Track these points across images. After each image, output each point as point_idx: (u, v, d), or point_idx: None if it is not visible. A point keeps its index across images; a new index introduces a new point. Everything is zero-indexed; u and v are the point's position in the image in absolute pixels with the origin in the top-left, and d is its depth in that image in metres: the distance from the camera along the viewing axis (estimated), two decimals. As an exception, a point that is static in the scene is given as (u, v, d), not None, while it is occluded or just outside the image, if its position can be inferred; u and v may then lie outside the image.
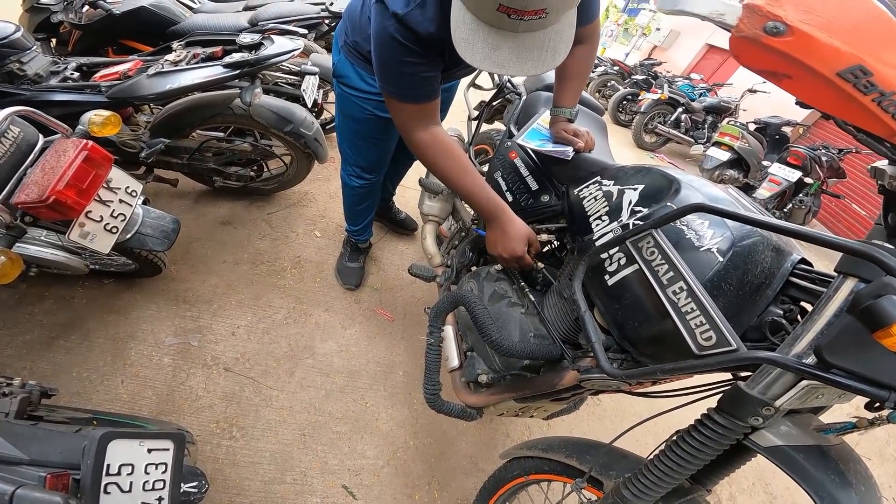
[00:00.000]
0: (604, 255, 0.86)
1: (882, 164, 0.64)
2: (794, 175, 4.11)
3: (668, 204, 0.84)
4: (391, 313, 1.99)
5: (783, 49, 0.46)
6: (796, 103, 0.59)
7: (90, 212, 1.21)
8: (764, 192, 4.14)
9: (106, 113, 1.32)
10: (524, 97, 1.67)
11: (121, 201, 1.31)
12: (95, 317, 1.59)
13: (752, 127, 5.17)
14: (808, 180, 4.21)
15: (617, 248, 0.84)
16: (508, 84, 1.79)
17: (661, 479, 0.70)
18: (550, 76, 1.65)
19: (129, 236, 1.38)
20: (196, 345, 1.61)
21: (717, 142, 4.88)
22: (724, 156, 4.74)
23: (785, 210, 4.43)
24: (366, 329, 1.88)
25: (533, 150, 1.30)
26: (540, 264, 1.15)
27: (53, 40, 2.44)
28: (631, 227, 0.86)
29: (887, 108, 0.45)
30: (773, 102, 6.07)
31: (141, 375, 1.48)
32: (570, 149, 1.24)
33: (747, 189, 4.89)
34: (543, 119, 1.39)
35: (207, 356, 1.59)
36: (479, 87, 1.95)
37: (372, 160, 1.64)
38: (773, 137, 5.14)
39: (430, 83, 1.03)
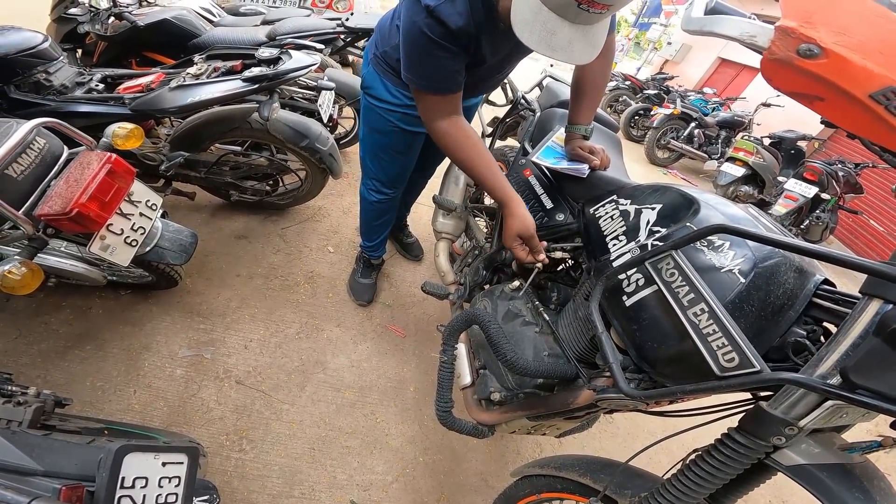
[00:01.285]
0: (621, 276, 0.86)
1: (907, 183, 0.62)
2: (811, 191, 4.05)
3: (688, 224, 0.83)
4: (403, 329, 1.99)
5: (817, 72, 0.45)
6: (822, 122, 0.59)
7: (111, 225, 1.23)
8: (780, 208, 4.08)
9: (130, 126, 1.34)
10: (538, 114, 1.68)
11: (141, 215, 1.33)
12: (111, 327, 1.62)
13: (766, 142, 5.11)
14: (824, 196, 4.13)
15: (635, 269, 0.83)
16: (522, 100, 1.80)
17: (680, 499, 0.69)
18: (565, 92, 1.66)
19: (147, 249, 1.40)
20: (209, 357, 1.62)
21: (731, 157, 4.84)
22: (739, 171, 4.69)
23: (802, 227, 4.35)
24: (377, 345, 1.87)
25: (548, 168, 1.30)
26: (542, 257, 1.12)
27: (79, 51, 2.51)
28: (649, 247, 0.85)
29: None
30: (788, 116, 6.02)
31: (153, 386, 1.50)
32: (585, 166, 1.24)
33: (763, 205, 4.82)
34: (558, 136, 1.39)
35: (220, 369, 1.60)
36: (493, 104, 1.97)
37: (392, 174, 1.65)
38: (788, 152, 5.07)
39: (455, 75, 1.07)
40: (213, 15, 3.11)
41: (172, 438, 0.93)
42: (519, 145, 1.71)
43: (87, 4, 2.34)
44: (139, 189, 1.33)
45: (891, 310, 0.51)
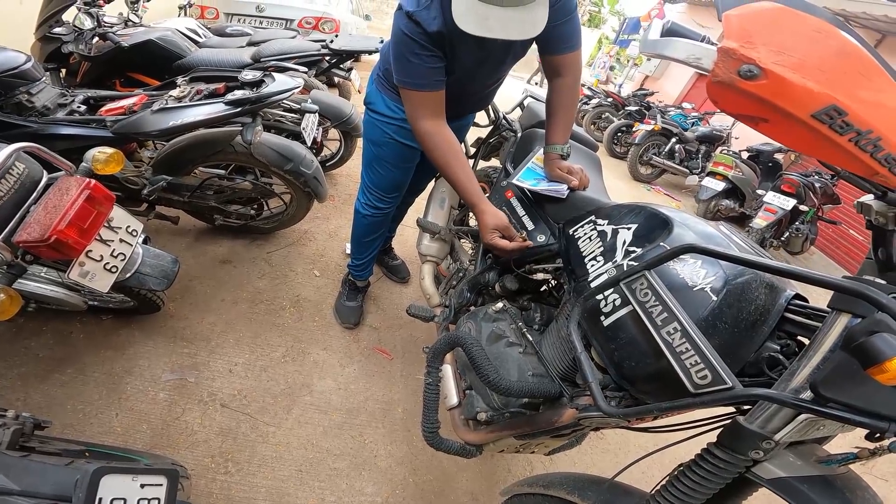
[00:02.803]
0: (599, 297, 0.87)
1: (868, 199, 0.65)
2: (789, 203, 4.13)
3: (662, 244, 0.85)
4: (390, 352, 1.98)
5: (757, 93, 0.46)
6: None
7: (90, 251, 1.21)
8: (760, 221, 4.15)
9: (109, 150, 1.33)
10: (519, 134, 1.72)
11: (121, 241, 1.32)
12: (92, 352, 1.60)
13: (744, 155, 5.24)
14: (803, 208, 4.23)
15: (611, 290, 0.85)
16: (504, 121, 1.84)
17: None
18: (544, 112, 1.70)
19: (128, 276, 1.38)
20: (193, 381, 1.60)
21: (711, 171, 4.94)
22: (719, 185, 4.79)
23: (782, 238, 4.43)
24: (364, 367, 1.86)
25: (528, 190, 1.32)
26: (522, 240, 1.21)
27: (63, 70, 2.48)
28: (626, 267, 0.87)
29: (865, 148, 0.46)
30: (764, 131, 6.18)
31: (136, 409, 1.48)
32: (564, 187, 1.27)
33: (744, 218, 4.92)
34: (538, 157, 1.42)
35: (204, 392, 1.58)
36: (477, 125, 2.01)
37: (386, 186, 1.70)
38: (766, 165, 5.18)
39: (435, 73, 1.22)
40: (199, 35, 3.14)
41: (155, 461, 0.92)
42: (501, 165, 1.74)
43: (71, 24, 2.33)
44: (119, 215, 1.32)
45: (857, 324, 0.52)
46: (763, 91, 0.45)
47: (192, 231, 2.31)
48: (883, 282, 0.61)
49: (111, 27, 2.45)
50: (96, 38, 2.38)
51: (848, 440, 0.71)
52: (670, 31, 0.62)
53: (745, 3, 0.48)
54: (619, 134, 6.82)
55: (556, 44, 1.27)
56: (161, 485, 0.71)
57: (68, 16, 2.32)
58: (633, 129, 6.35)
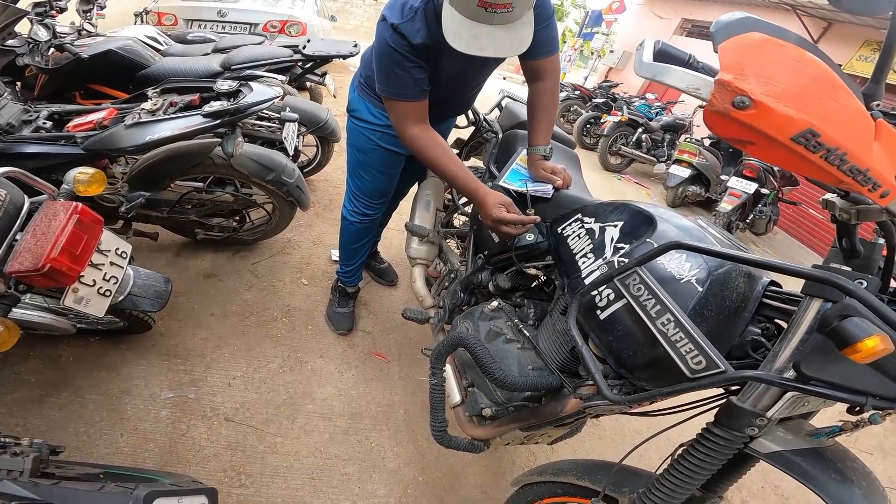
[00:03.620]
0: (594, 293, 0.93)
1: (831, 196, 0.72)
2: (752, 187, 4.36)
3: (648, 240, 0.91)
4: (387, 355, 2.00)
5: (748, 121, 0.53)
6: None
7: (83, 277, 1.19)
8: (726, 205, 4.36)
9: (91, 171, 1.28)
10: (500, 135, 1.76)
11: (112, 264, 1.30)
12: (85, 374, 1.57)
13: (706, 142, 5.47)
14: (764, 191, 4.46)
15: (605, 286, 0.91)
16: (484, 122, 1.88)
17: (674, 491, 0.75)
18: (524, 112, 1.75)
19: (121, 298, 1.37)
20: (193, 397, 1.60)
21: (677, 159, 5.14)
22: (685, 172, 4.99)
23: (747, 221, 4.66)
24: (363, 372, 1.88)
25: (515, 191, 1.37)
26: (530, 215, 1.21)
27: (18, 84, 2.35)
28: (616, 264, 0.93)
29: (833, 162, 0.53)
30: (724, 118, 6.43)
31: (140, 429, 1.47)
32: (549, 187, 1.32)
33: (710, 203, 5.14)
34: (521, 158, 1.47)
35: (206, 407, 1.58)
36: (457, 126, 2.04)
37: (372, 192, 1.71)
38: (727, 151, 5.42)
39: (420, 83, 1.24)
40: (160, 43, 3.00)
41: (177, 480, 0.92)
42: (482, 165, 1.79)
43: (26, 36, 2.23)
44: (108, 237, 1.30)
45: (829, 309, 0.58)
46: (752, 120, 0.52)
47: (171, 246, 2.27)
48: (849, 269, 0.68)
49: (66, 38, 2.34)
50: (52, 50, 2.27)
51: (829, 415, 0.79)
52: (662, 52, 0.67)
53: (735, 34, 0.54)
54: (588, 126, 6.99)
55: (536, 49, 1.30)
56: None
57: (22, 28, 2.21)
58: (601, 120, 6.51)
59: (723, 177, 4.98)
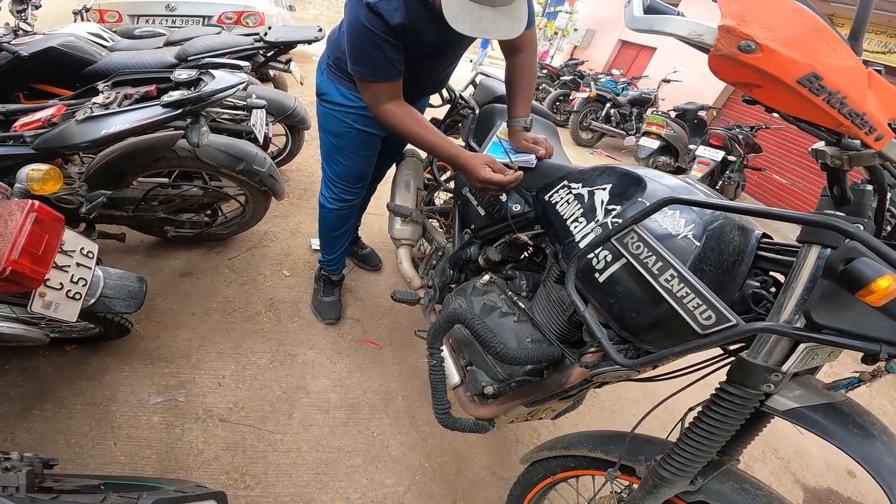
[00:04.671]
0: (590, 255, 0.92)
1: (820, 145, 0.72)
2: (719, 155, 4.49)
3: (640, 199, 0.90)
4: (378, 341, 1.97)
5: (755, 64, 0.53)
6: (744, 100, 0.67)
7: (48, 280, 1.12)
8: (696, 173, 4.49)
9: (45, 167, 1.21)
10: (477, 111, 1.73)
11: (78, 265, 1.22)
12: (66, 384, 1.49)
13: (673, 114, 5.59)
14: (730, 158, 4.61)
15: (601, 247, 0.90)
16: (460, 100, 1.85)
17: (695, 455, 0.74)
18: (499, 88, 1.73)
19: (93, 301, 1.29)
20: (183, 400, 1.54)
21: (645, 132, 5.25)
22: (655, 144, 5.10)
23: (717, 188, 4.80)
24: (355, 360, 1.85)
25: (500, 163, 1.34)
26: (515, 171, 1.20)
27: None
28: (609, 225, 0.92)
29: (834, 105, 0.54)
30: (686, 90, 6.60)
31: (133, 436, 1.41)
32: (532, 157, 1.31)
33: (679, 172, 5.26)
34: (501, 131, 1.45)
35: (199, 409, 1.52)
36: (431, 105, 2.00)
37: (350, 176, 1.67)
38: (692, 122, 5.58)
39: (395, 64, 1.20)
40: (106, 40, 2.83)
41: (181, 486, 0.88)
42: (462, 142, 1.75)
43: (-44, 37, 2.06)
44: (70, 237, 1.22)
45: (832, 253, 0.58)
46: (760, 62, 0.53)
47: (141, 247, 2.16)
48: (843, 214, 0.69)
49: (2, 37, 2.18)
50: None
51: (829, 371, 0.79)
52: (651, 8, 0.66)
53: None
54: (558, 103, 7.04)
55: None
56: None
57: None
58: (570, 97, 6.57)
59: (690, 146, 5.11)
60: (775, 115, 0.71)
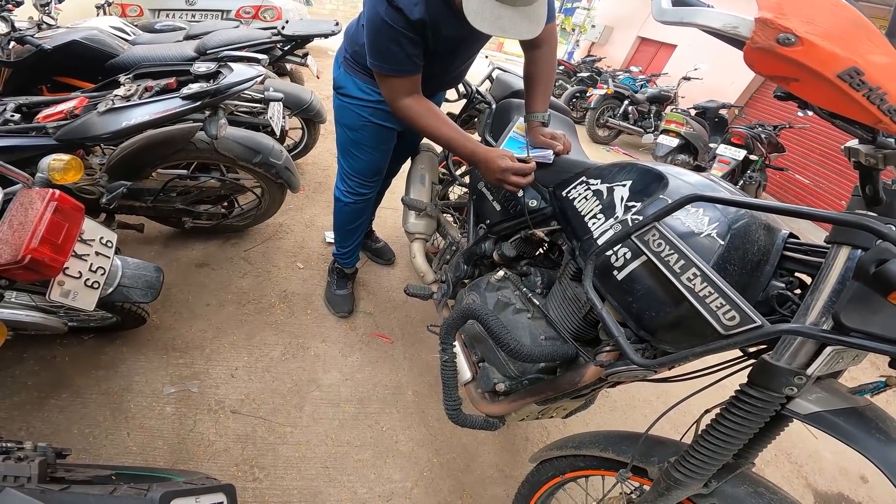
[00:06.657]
0: (608, 253, 0.90)
1: (853, 143, 0.70)
2: (740, 154, 4.38)
3: (661, 196, 0.88)
4: (389, 335, 1.97)
5: (795, 57, 0.51)
6: (775, 95, 0.64)
7: (67, 268, 1.14)
8: (716, 172, 4.39)
9: (66, 157, 1.22)
10: (494, 106, 1.72)
11: (97, 254, 1.24)
12: (82, 373, 1.52)
13: (692, 112, 5.48)
14: (752, 157, 4.49)
15: (621, 245, 0.88)
16: (477, 94, 1.84)
17: (711, 458, 0.72)
18: (516, 83, 1.71)
19: (111, 290, 1.31)
20: (196, 391, 1.56)
21: (664, 129, 5.15)
22: (674, 142, 5.00)
23: (737, 187, 4.69)
24: (367, 354, 1.85)
25: (517, 158, 1.33)
26: (531, 167, 1.19)
27: None
28: (629, 222, 0.90)
29: (874, 101, 0.52)
30: (706, 87, 6.46)
31: (146, 427, 1.43)
32: (549, 152, 1.29)
33: (699, 170, 5.13)
34: (518, 126, 1.43)
35: (211, 401, 1.54)
36: (447, 100, 1.99)
37: (366, 170, 1.67)
38: (712, 120, 5.47)
39: (414, 59, 1.20)
40: (127, 34, 2.89)
41: (190, 478, 0.89)
42: (478, 137, 1.74)
43: (-18, 31, 2.11)
44: (90, 227, 1.24)
45: (864, 254, 0.55)
46: (799, 55, 0.51)
47: (159, 238, 2.19)
48: (875, 214, 0.66)
49: (26, 31, 2.23)
50: (13, 43, 2.17)
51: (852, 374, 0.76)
52: (680, 1, 0.64)
53: None
54: (575, 99, 6.96)
55: None
56: (221, 502, 0.72)
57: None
58: (588, 94, 6.49)
59: (711, 145, 5.00)
60: (809, 112, 0.69)
